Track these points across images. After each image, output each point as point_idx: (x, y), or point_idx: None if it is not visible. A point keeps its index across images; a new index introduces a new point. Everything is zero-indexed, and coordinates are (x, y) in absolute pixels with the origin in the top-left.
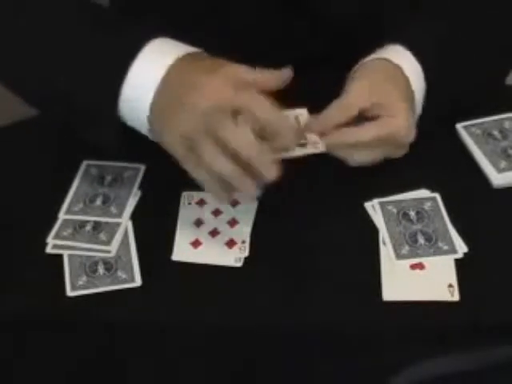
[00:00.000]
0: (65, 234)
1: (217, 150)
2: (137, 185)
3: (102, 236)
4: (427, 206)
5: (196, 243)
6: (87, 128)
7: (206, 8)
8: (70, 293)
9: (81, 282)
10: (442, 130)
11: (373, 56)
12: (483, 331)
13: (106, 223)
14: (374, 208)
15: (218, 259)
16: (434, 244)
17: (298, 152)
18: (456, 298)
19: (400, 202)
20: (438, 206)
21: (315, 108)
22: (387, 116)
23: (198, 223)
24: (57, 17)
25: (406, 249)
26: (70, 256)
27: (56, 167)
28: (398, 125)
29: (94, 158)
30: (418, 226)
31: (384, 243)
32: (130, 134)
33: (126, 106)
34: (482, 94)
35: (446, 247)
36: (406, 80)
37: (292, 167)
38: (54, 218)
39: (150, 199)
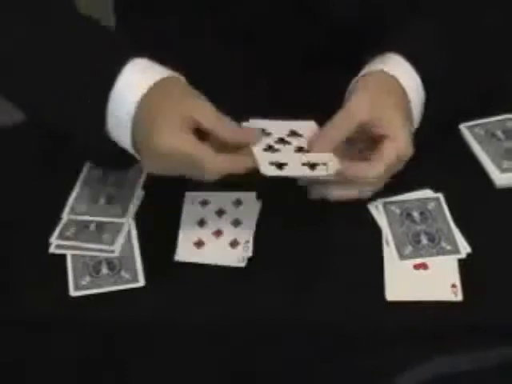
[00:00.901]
0: (68, 233)
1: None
2: (140, 185)
3: (106, 236)
4: (430, 206)
5: (199, 243)
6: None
7: (212, 6)
8: (73, 293)
9: (84, 282)
10: (445, 131)
11: (371, 67)
12: (485, 331)
13: (110, 223)
14: (377, 208)
15: (221, 259)
16: (437, 244)
17: (308, 173)
18: (459, 298)
19: (403, 202)
20: (441, 206)
21: (319, 109)
22: (388, 140)
23: (202, 223)
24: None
25: (409, 249)
26: (74, 256)
27: (59, 167)
28: (401, 147)
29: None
30: (422, 227)
31: (387, 243)
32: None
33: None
34: (484, 97)
35: (449, 247)
36: (403, 91)
37: None
38: (58, 218)
39: (154, 199)
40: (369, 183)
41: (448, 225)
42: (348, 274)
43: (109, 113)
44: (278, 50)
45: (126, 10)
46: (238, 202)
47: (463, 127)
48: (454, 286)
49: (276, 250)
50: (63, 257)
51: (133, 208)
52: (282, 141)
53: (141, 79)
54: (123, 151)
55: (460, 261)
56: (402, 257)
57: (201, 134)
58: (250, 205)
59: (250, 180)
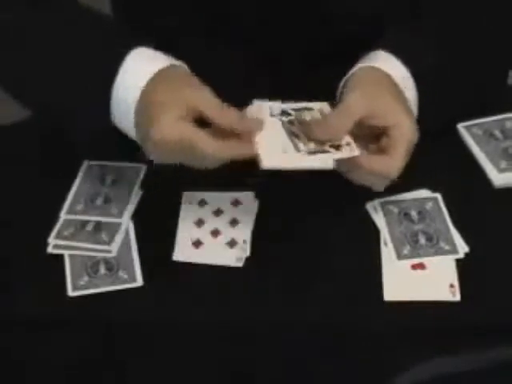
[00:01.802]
0: (66, 233)
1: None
2: (138, 185)
3: (103, 236)
4: (428, 206)
5: (197, 243)
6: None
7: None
8: (71, 293)
9: (82, 282)
10: (443, 130)
11: (361, 65)
12: (483, 331)
13: (107, 223)
14: (375, 208)
15: (219, 259)
16: (435, 244)
17: (335, 155)
18: (457, 298)
19: (401, 202)
20: (439, 206)
21: None
22: (394, 129)
23: (199, 223)
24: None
25: (407, 249)
26: (72, 256)
27: (57, 167)
28: (408, 133)
29: (96, 158)
30: (420, 226)
31: (385, 243)
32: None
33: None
34: (481, 95)
35: (447, 247)
36: (395, 84)
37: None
38: (55, 218)
39: (151, 199)
40: (387, 176)
41: (446, 225)
42: (346, 273)
43: (113, 99)
44: (278, 50)
45: (124, 9)
46: (235, 202)
47: (461, 127)
48: (452, 286)
49: (274, 250)
50: (61, 257)
51: (130, 208)
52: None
53: (145, 66)
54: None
55: (458, 261)
56: (400, 257)
57: (203, 123)
58: (248, 205)
59: (249, 175)
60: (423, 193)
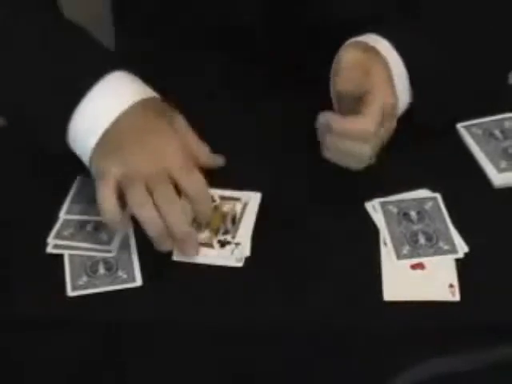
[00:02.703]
0: (65, 233)
1: (147, 196)
2: None
3: (103, 236)
4: (428, 206)
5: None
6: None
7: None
8: (70, 293)
9: (81, 282)
10: (442, 130)
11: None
12: (483, 331)
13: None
14: (374, 208)
15: (218, 259)
16: (434, 244)
17: None
18: (457, 298)
19: (401, 201)
20: (438, 205)
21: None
22: (370, 93)
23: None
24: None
25: (406, 249)
26: (71, 256)
27: (57, 167)
28: (382, 97)
29: None
30: (419, 226)
31: (385, 243)
32: None
33: (76, 135)
34: (482, 94)
35: (446, 247)
36: (384, 61)
37: (292, 167)
38: (55, 218)
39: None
40: (361, 137)
41: (445, 225)
42: (345, 273)
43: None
44: (276, 50)
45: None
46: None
47: (460, 127)
48: (451, 286)
49: (274, 249)
50: (60, 257)
51: None
52: None
53: (128, 87)
54: None
55: (458, 261)
56: (400, 257)
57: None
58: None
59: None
60: (423, 193)
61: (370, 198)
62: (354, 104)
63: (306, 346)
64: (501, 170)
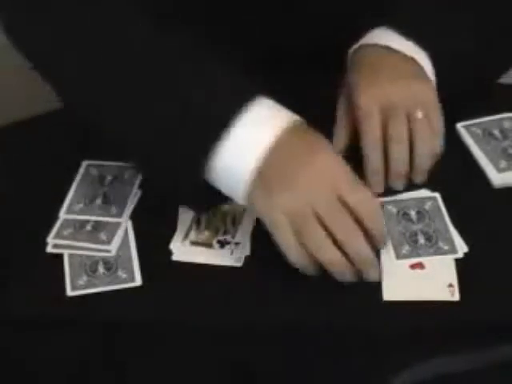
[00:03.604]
0: (65, 233)
1: (326, 236)
2: (137, 184)
3: (102, 236)
4: (427, 205)
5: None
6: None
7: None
8: (70, 292)
9: (81, 282)
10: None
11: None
12: (483, 331)
13: (106, 223)
14: None
15: (218, 259)
16: (434, 244)
17: None
18: (456, 297)
19: (400, 201)
20: (438, 205)
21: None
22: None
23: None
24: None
25: (406, 248)
26: (71, 255)
27: (56, 167)
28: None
29: (94, 158)
30: (419, 226)
31: None
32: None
33: (222, 172)
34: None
35: (446, 247)
36: (398, 54)
37: None
38: (55, 218)
39: (150, 199)
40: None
41: (445, 224)
42: None
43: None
44: (277, 49)
45: None
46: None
47: (460, 126)
48: (451, 285)
49: (273, 249)
50: (60, 256)
51: (130, 208)
52: None
53: (272, 113)
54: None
55: (457, 261)
56: (399, 256)
57: None
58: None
59: None
60: (422, 192)
61: None
62: None
63: (306, 345)
64: (500, 170)
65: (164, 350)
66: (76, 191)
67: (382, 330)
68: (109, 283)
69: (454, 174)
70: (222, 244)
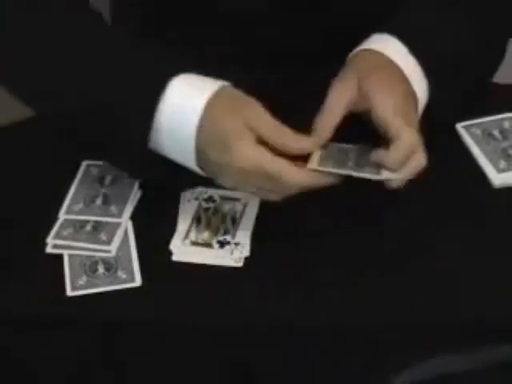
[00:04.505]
0: (65, 233)
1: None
2: (137, 185)
3: (102, 236)
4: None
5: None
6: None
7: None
8: (70, 293)
9: (81, 282)
10: (442, 130)
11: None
12: (483, 331)
13: (106, 223)
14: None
15: (218, 259)
16: None
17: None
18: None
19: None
20: None
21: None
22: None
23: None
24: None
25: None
26: (70, 256)
27: (56, 167)
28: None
29: (94, 159)
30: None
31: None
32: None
33: (167, 136)
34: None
35: None
36: (393, 64)
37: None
38: (54, 218)
39: (150, 199)
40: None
41: None
42: (346, 273)
43: (157, 128)
44: (277, 48)
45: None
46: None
47: (460, 127)
48: None
49: (273, 249)
50: (60, 257)
51: (129, 208)
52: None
53: (196, 92)
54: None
55: (457, 261)
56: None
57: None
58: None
59: None
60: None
61: (370, 198)
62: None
63: (305, 345)
64: (500, 170)
65: (164, 349)
66: (76, 191)
67: (382, 329)
68: (109, 283)
69: (454, 174)
70: (222, 244)
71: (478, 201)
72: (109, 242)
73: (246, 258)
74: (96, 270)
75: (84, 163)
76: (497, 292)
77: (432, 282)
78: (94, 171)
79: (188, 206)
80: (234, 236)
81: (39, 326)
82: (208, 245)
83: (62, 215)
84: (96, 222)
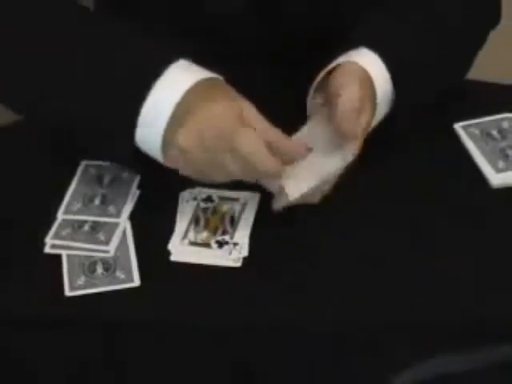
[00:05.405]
0: (63, 233)
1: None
2: (135, 185)
3: (101, 236)
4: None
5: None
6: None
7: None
8: (68, 293)
9: (79, 282)
10: (440, 130)
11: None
12: (483, 331)
13: (105, 223)
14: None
15: (216, 259)
16: None
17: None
18: None
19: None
20: None
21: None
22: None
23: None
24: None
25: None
26: (69, 256)
27: (55, 167)
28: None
29: (93, 159)
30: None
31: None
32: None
33: (141, 131)
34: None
35: None
36: (370, 80)
37: None
38: (53, 218)
39: (149, 199)
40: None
41: None
42: (346, 273)
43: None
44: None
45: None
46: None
47: (458, 127)
48: None
49: (272, 249)
50: (58, 257)
51: (128, 208)
52: None
53: (182, 78)
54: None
55: (457, 261)
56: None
57: None
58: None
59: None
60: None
61: (369, 198)
62: None
63: (305, 345)
64: (499, 170)
65: (164, 349)
66: (74, 191)
67: (382, 329)
68: (107, 284)
69: (453, 174)
70: (221, 244)
71: (476, 201)
72: (107, 242)
73: (245, 258)
74: (95, 270)
75: (83, 163)
76: (497, 292)
77: (432, 281)
78: (93, 171)
79: (186, 206)
80: (232, 236)
81: (39, 326)
82: (206, 245)
83: (61, 215)
84: (94, 222)
